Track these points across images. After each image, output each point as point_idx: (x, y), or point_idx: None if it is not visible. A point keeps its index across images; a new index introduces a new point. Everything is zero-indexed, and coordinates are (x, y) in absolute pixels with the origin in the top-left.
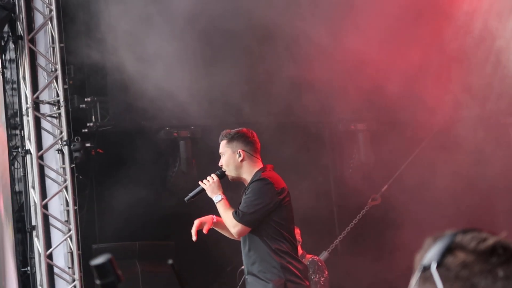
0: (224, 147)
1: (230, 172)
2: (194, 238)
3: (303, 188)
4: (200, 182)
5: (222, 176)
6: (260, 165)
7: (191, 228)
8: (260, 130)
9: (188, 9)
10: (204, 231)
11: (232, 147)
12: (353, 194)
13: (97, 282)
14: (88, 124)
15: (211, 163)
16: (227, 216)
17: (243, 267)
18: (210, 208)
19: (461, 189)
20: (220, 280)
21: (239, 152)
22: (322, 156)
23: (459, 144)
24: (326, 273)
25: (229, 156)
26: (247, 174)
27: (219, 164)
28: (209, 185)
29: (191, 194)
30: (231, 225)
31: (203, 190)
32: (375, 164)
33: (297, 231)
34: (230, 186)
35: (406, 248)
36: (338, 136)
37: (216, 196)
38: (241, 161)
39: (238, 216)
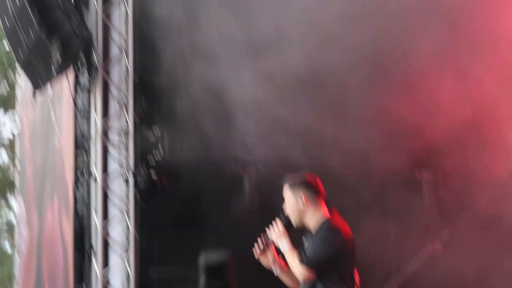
0: (287, 193)
1: (293, 219)
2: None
3: (361, 230)
4: (266, 229)
5: (287, 222)
6: (325, 212)
7: (249, 264)
8: (320, 175)
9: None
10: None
11: (295, 193)
12: (413, 240)
13: (204, 282)
14: (155, 155)
15: (275, 202)
16: (295, 264)
17: None
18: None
19: None
20: None
21: (302, 198)
22: (384, 200)
23: None
24: None
25: (292, 202)
26: (312, 220)
27: (284, 207)
28: (275, 233)
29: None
30: (299, 273)
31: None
32: (438, 214)
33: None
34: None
35: None
36: (400, 182)
37: (282, 244)
38: (304, 207)
39: (306, 265)
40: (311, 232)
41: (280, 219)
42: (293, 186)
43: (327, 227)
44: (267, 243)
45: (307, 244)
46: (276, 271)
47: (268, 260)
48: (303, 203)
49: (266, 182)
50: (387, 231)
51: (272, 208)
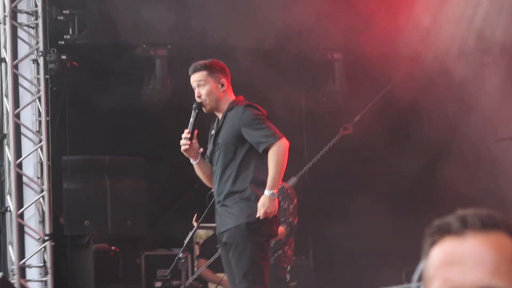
0: (205, 77)
1: (209, 103)
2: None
3: (273, 113)
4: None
5: (199, 109)
6: (233, 96)
7: (161, 145)
8: (234, 53)
9: None
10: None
11: (215, 77)
12: (325, 123)
13: None
14: (65, 36)
15: (185, 84)
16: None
17: (213, 190)
18: (185, 128)
19: (439, 126)
20: (186, 197)
21: (222, 82)
22: (295, 83)
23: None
24: (295, 200)
25: (211, 86)
26: (225, 104)
27: (197, 95)
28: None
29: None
30: (272, 147)
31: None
32: (349, 94)
33: None
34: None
35: (374, 177)
36: (313, 64)
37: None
38: (223, 91)
39: (268, 140)
40: (218, 118)
41: (194, 115)
42: (213, 71)
43: (242, 104)
44: (191, 135)
45: (216, 129)
46: (195, 161)
47: (192, 151)
48: (223, 86)
49: (178, 65)
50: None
51: (182, 88)
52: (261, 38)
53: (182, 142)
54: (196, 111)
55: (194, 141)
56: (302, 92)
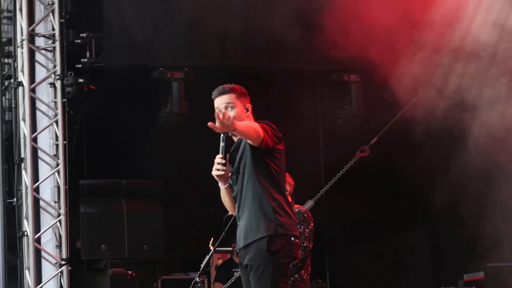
0: (234, 100)
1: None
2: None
3: (290, 135)
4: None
5: (227, 133)
6: (253, 120)
7: (178, 169)
8: (252, 75)
9: None
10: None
11: (242, 101)
12: (342, 145)
13: None
14: (82, 59)
15: (203, 106)
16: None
17: (230, 213)
18: (203, 151)
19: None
20: (203, 220)
21: (247, 106)
22: (313, 105)
23: None
24: (312, 224)
25: (239, 109)
26: None
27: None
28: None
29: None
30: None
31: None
32: (366, 116)
33: (290, 181)
34: None
35: (390, 199)
36: (330, 86)
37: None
38: (247, 116)
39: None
40: (234, 141)
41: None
42: (240, 95)
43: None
44: (224, 161)
45: (233, 153)
46: (224, 185)
47: (223, 176)
48: (247, 111)
49: (194, 86)
50: (317, 139)
51: (200, 111)
52: (278, 60)
53: (217, 167)
54: (225, 134)
55: (227, 166)
56: (319, 113)
